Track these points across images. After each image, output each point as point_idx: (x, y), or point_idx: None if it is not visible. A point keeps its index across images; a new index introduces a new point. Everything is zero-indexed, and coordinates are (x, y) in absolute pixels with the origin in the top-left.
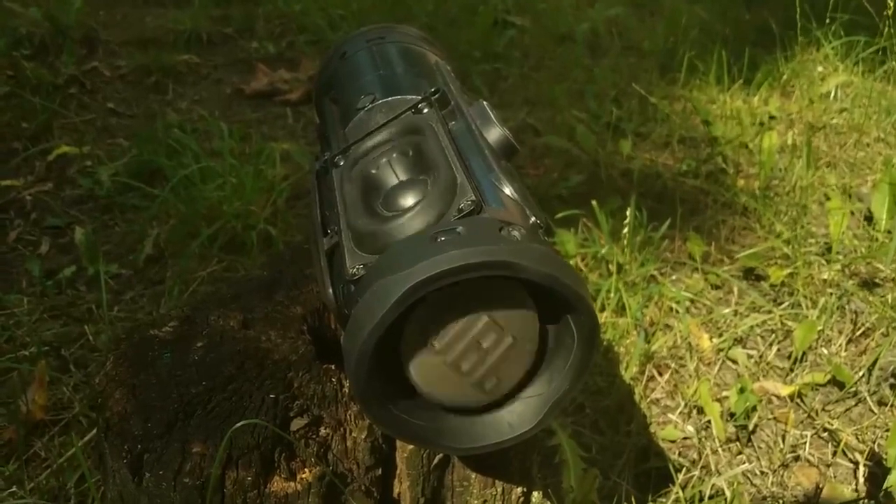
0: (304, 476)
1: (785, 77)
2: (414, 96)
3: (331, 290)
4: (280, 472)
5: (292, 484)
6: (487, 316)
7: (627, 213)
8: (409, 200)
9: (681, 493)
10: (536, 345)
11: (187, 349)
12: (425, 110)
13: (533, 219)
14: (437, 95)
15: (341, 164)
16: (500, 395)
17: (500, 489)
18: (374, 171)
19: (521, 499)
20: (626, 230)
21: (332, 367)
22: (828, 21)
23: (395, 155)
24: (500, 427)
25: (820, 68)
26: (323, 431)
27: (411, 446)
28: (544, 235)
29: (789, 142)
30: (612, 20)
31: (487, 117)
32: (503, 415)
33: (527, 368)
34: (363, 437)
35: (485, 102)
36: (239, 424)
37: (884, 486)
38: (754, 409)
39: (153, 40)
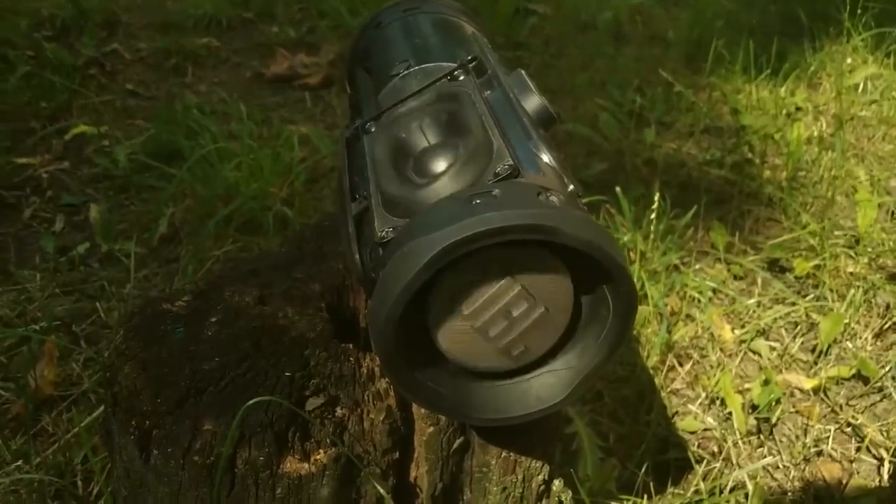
0: (318, 457)
1: (812, 68)
2: (450, 64)
3: (357, 256)
4: (294, 453)
5: (306, 465)
6: (520, 285)
7: (655, 198)
8: (440, 165)
9: (702, 485)
10: (569, 316)
11: (201, 324)
12: (461, 77)
13: (571, 187)
14: (473, 63)
15: (373, 130)
16: (526, 362)
17: (520, 476)
18: (403, 136)
19: (542, 487)
20: (653, 215)
21: (350, 346)
22: (858, 12)
23: (427, 119)
24: (528, 399)
25: (849, 60)
26: (339, 412)
27: (430, 430)
28: (582, 204)
29: (816, 133)
30: (636, 9)
31: (526, 86)
32: (531, 386)
33: (557, 338)
34: (381, 418)
35: (523, 71)
36: (253, 402)
37: None
38: (778, 401)
39: (173, 24)
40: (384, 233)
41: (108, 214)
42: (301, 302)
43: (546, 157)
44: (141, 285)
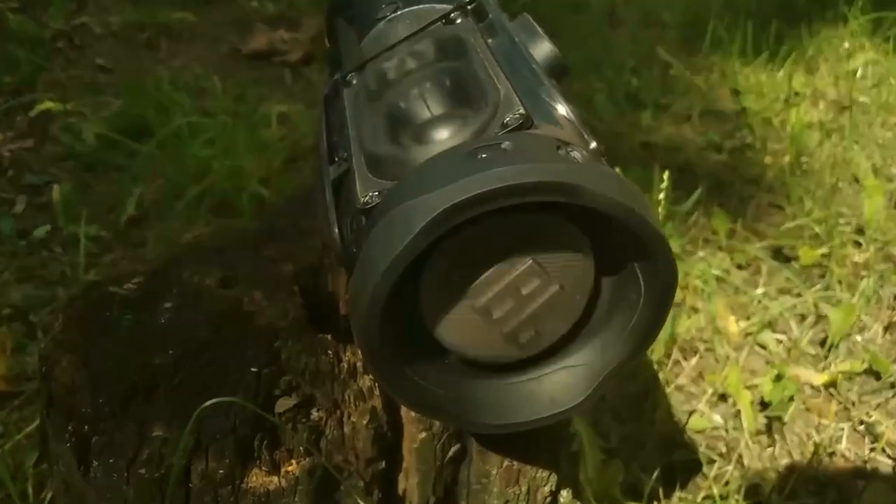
0: (289, 469)
1: (810, 53)
2: (444, 5)
3: (336, 228)
4: (260, 464)
5: (275, 479)
6: (531, 258)
7: (665, 177)
8: (444, 133)
9: (714, 489)
10: (587, 295)
11: (153, 310)
12: (458, 20)
13: (594, 143)
14: (473, 5)
15: (354, 82)
16: (536, 351)
17: (524, 487)
18: (402, 104)
19: (549, 498)
20: (661, 195)
21: (328, 337)
22: None
23: (427, 85)
24: (539, 401)
25: (846, 44)
26: (315, 414)
27: (422, 436)
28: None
29: (816, 119)
30: None
31: (534, 31)
32: (543, 386)
33: (573, 322)
34: (364, 422)
35: (529, 16)
36: (210, 403)
37: None
38: (791, 398)
39: None
40: (368, 197)
41: (72, 195)
42: (271, 285)
43: (562, 109)
44: (106, 271)
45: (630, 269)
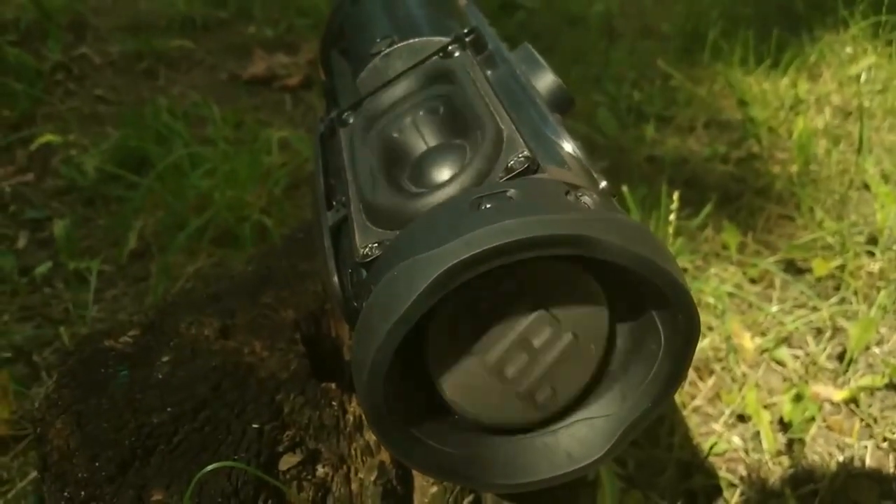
0: None
1: (812, 59)
2: (441, 38)
3: (336, 278)
4: None
5: None
6: (542, 309)
7: (675, 197)
8: (444, 174)
9: None
10: (603, 345)
11: (150, 365)
12: (456, 54)
13: (603, 183)
14: (471, 36)
15: (351, 121)
16: (555, 410)
17: None
18: (395, 136)
19: None
20: (672, 216)
21: (332, 386)
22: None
23: (420, 113)
24: (555, 457)
25: (848, 49)
26: (321, 471)
27: (434, 489)
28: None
29: (821, 126)
30: (628, 1)
31: (536, 62)
32: (559, 441)
33: (590, 375)
34: (372, 478)
35: (530, 46)
36: (211, 468)
37: None
38: (812, 419)
39: (145, 25)
40: (367, 249)
41: (73, 230)
42: (271, 333)
43: (569, 147)
44: (109, 307)
45: (648, 317)
